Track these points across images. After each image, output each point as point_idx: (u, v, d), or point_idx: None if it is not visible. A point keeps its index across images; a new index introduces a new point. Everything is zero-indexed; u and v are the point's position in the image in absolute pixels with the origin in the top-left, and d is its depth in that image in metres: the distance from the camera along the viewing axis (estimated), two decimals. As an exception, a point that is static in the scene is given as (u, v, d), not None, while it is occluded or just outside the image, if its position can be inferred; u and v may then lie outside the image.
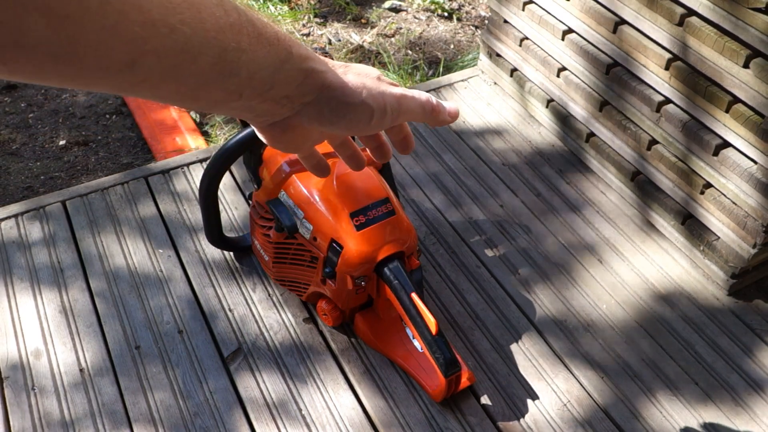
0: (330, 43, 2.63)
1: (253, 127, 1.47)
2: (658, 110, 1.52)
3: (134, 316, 1.42)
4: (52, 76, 0.36)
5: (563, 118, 1.80)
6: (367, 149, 0.63)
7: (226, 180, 1.69)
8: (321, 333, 1.41)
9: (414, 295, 1.22)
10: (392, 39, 2.67)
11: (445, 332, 1.38)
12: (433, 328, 1.21)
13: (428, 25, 2.76)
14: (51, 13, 0.32)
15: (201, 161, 1.77)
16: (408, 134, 0.61)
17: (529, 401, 1.31)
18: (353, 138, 0.63)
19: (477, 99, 1.99)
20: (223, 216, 1.61)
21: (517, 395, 1.32)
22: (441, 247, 1.58)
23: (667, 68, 1.46)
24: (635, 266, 1.56)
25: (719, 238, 1.49)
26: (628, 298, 1.50)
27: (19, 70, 0.34)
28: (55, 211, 1.63)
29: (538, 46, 1.81)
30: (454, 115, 0.59)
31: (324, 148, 0.65)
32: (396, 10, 2.83)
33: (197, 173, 1.73)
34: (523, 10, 1.81)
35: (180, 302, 1.45)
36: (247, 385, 1.32)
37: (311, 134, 0.53)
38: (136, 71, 0.37)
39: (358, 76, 0.51)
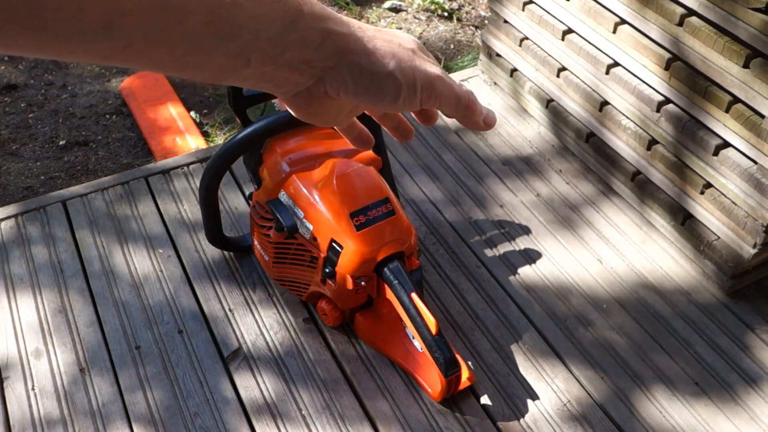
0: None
1: (253, 127, 1.46)
2: (657, 110, 1.52)
3: (134, 316, 1.43)
4: (21, 44, 0.33)
5: (563, 118, 1.80)
6: (386, 128, 0.55)
7: (226, 180, 1.69)
8: (321, 333, 1.41)
9: (414, 295, 1.22)
10: (392, 39, 2.67)
11: (445, 332, 1.39)
12: (433, 328, 1.21)
13: (428, 25, 2.76)
14: None
15: (201, 161, 1.77)
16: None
17: (529, 401, 1.31)
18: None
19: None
20: (223, 216, 1.61)
21: (517, 395, 1.32)
22: (441, 247, 1.58)
23: (666, 68, 1.46)
24: (635, 266, 1.56)
25: (719, 238, 1.49)
26: (628, 297, 1.50)
27: None
28: (55, 211, 1.63)
29: (538, 46, 1.81)
30: (490, 123, 0.49)
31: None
32: (396, 10, 2.83)
33: (197, 173, 1.73)
34: (523, 10, 1.81)
35: (180, 302, 1.45)
36: (247, 385, 1.32)
37: (343, 106, 0.46)
38: (114, 35, 0.34)
39: (389, 43, 0.44)
